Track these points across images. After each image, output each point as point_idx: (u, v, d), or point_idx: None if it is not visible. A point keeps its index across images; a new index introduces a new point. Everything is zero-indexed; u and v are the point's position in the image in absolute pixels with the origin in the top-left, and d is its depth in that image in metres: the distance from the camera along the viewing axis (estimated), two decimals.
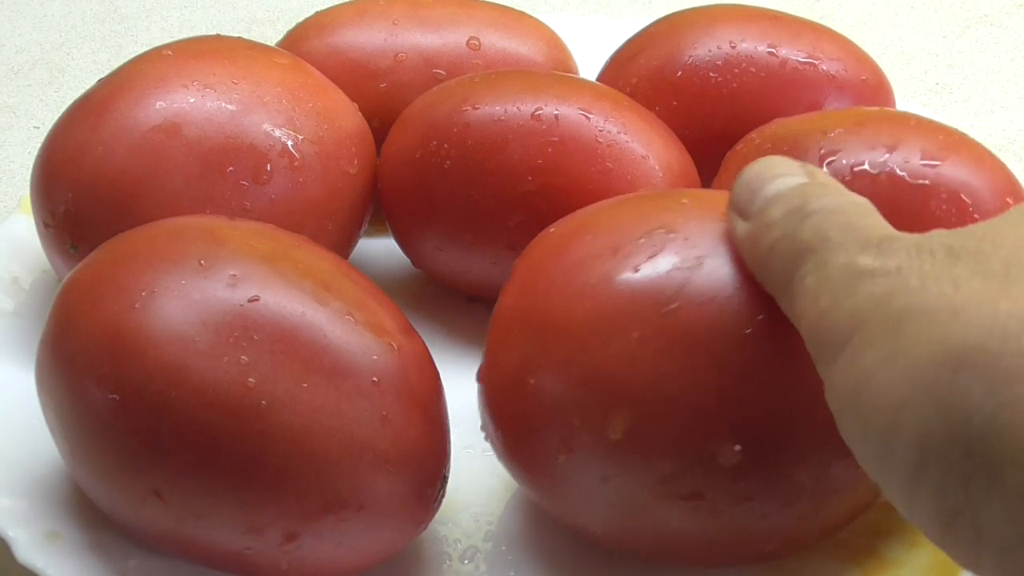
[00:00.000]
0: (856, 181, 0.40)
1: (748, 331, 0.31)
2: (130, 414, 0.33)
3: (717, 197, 0.34)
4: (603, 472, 0.32)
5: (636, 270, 0.32)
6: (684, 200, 0.35)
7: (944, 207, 0.40)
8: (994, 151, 0.57)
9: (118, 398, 0.33)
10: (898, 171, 0.40)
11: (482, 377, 0.36)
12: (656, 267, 0.32)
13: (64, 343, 0.35)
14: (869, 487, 0.33)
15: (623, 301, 0.32)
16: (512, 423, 0.34)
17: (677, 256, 0.32)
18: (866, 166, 0.41)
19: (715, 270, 0.32)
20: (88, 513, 0.37)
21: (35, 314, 0.45)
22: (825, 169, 0.41)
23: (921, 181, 0.40)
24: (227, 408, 0.32)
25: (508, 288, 0.35)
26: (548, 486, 0.34)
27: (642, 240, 0.32)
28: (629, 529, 0.34)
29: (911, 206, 0.40)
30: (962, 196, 0.40)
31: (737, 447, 0.31)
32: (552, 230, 0.36)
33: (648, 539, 0.34)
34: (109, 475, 0.34)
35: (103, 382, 0.33)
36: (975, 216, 0.40)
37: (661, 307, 0.31)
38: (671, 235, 0.33)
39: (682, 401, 0.31)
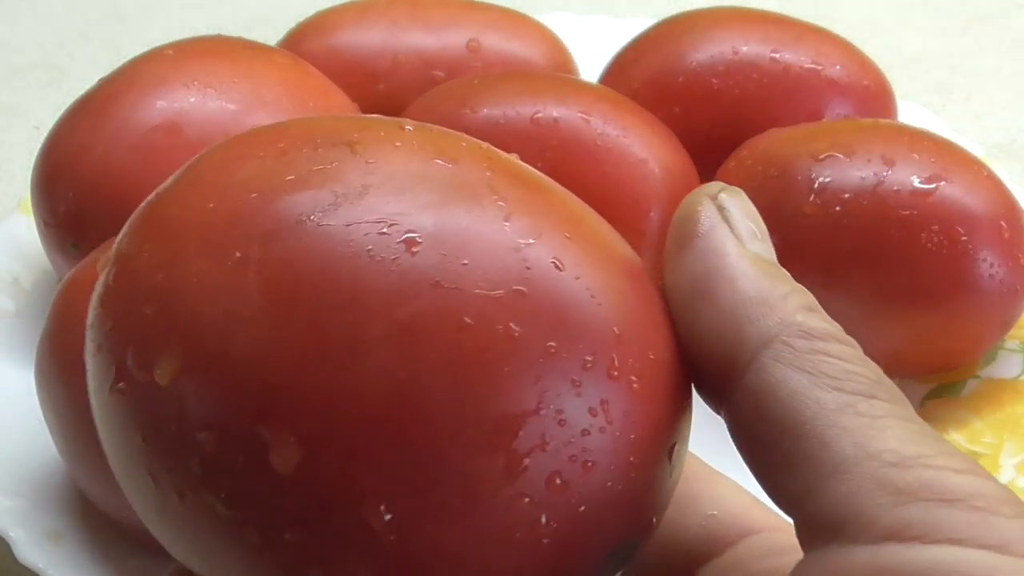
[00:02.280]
0: (845, 214, 0.40)
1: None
2: None
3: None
4: (143, 427, 0.21)
5: (278, 180, 0.21)
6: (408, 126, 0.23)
7: (936, 239, 0.39)
8: (994, 151, 0.57)
9: None
10: (889, 202, 0.40)
11: None
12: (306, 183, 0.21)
13: (63, 343, 0.35)
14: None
15: (247, 207, 0.21)
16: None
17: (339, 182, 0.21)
18: (856, 196, 0.40)
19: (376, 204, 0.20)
20: (88, 513, 0.37)
21: (35, 314, 0.45)
22: (813, 197, 0.41)
23: (912, 212, 0.40)
24: None
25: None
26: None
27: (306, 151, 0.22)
28: (167, 528, 0.21)
29: (902, 238, 0.40)
30: (955, 226, 0.39)
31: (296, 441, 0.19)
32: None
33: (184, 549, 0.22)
34: (107, 475, 0.34)
35: None
36: (968, 246, 0.40)
37: (261, 230, 0.20)
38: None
39: (241, 357, 0.20)
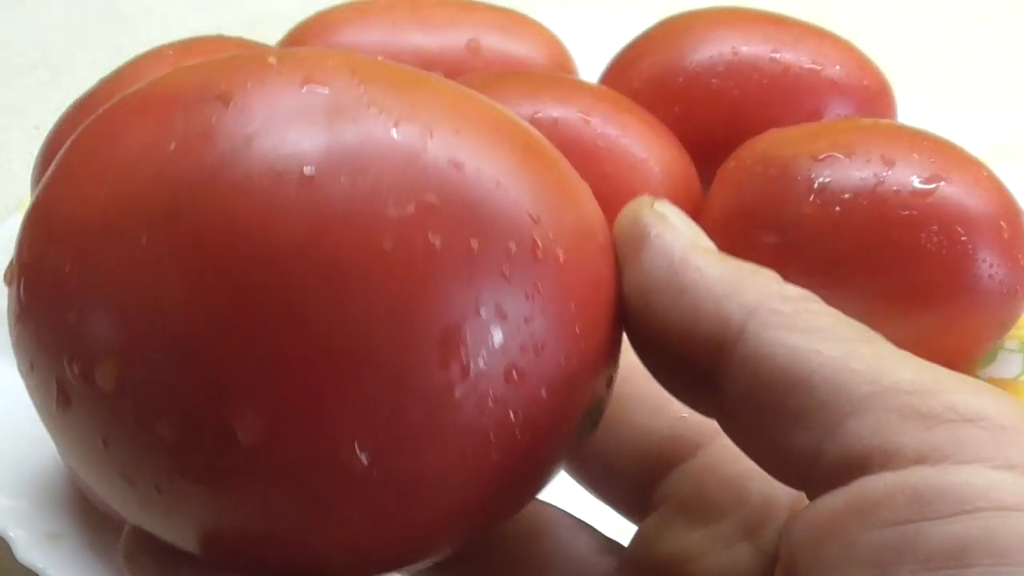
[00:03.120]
0: (845, 214, 0.40)
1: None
2: None
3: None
4: (103, 434, 0.20)
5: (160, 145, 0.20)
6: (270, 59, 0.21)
7: (936, 239, 0.40)
8: (995, 152, 0.57)
9: None
10: (888, 202, 0.40)
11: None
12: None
13: None
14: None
15: (140, 189, 0.19)
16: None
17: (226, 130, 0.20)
18: (856, 196, 0.40)
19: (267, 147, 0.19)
20: (88, 513, 0.37)
21: None
22: (813, 197, 0.41)
23: (912, 212, 0.40)
24: None
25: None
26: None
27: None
28: (153, 520, 0.21)
29: (902, 238, 0.40)
30: (955, 226, 0.39)
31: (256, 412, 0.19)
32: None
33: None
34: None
35: None
36: (968, 246, 0.40)
37: (160, 209, 0.19)
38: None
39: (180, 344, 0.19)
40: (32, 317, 0.20)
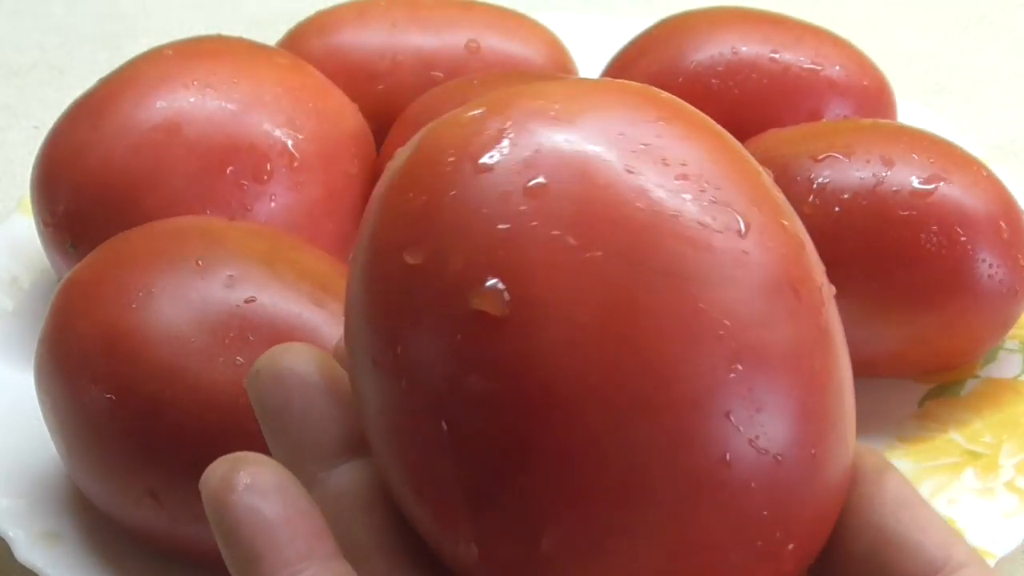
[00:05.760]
0: (845, 215, 0.40)
1: None
2: (125, 414, 0.33)
3: None
4: None
5: None
6: None
7: (935, 239, 0.39)
8: (994, 151, 0.57)
9: (114, 398, 0.33)
10: (888, 202, 0.40)
11: None
12: None
13: (62, 343, 0.35)
14: None
15: None
16: None
17: None
18: (856, 197, 0.40)
19: None
20: (88, 513, 0.37)
21: (34, 314, 0.45)
22: (812, 197, 0.40)
23: (911, 212, 0.40)
24: (222, 409, 0.32)
25: None
26: None
27: None
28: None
29: (901, 239, 0.40)
30: (954, 226, 0.39)
31: None
32: None
33: None
34: (105, 476, 0.34)
35: (99, 382, 0.33)
36: (968, 246, 0.40)
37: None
38: None
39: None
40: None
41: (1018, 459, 0.39)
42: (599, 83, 0.23)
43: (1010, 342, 0.44)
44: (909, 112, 0.53)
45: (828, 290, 0.22)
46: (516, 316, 0.18)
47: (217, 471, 0.21)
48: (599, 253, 0.19)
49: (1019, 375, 0.43)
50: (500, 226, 0.19)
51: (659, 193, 0.19)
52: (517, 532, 0.19)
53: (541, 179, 0.19)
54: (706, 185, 0.19)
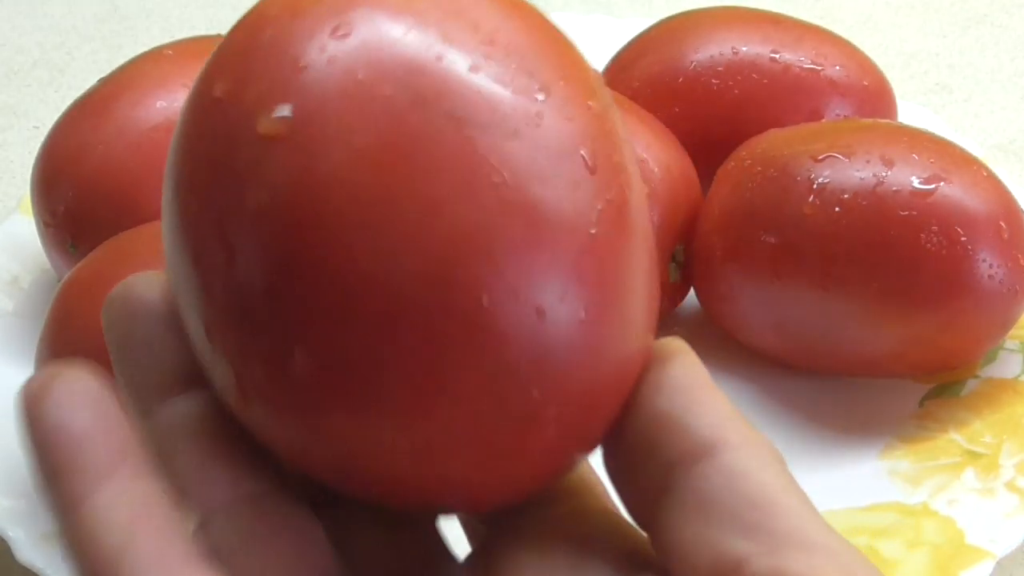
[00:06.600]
0: (845, 214, 0.40)
1: None
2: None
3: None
4: None
5: None
6: None
7: (935, 239, 0.39)
8: (994, 151, 0.57)
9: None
10: (888, 202, 0.40)
11: None
12: None
13: (62, 342, 0.35)
14: None
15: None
16: None
17: None
18: (856, 196, 0.40)
19: None
20: None
21: (34, 314, 0.45)
22: (813, 197, 0.41)
23: (911, 212, 0.40)
24: None
25: None
26: None
27: None
28: None
29: (901, 238, 0.40)
30: (954, 226, 0.39)
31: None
32: None
33: None
34: None
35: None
36: (968, 246, 0.40)
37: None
38: None
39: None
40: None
41: (1018, 459, 0.39)
42: None
43: (1010, 342, 0.44)
44: (909, 112, 0.53)
45: (639, 183, 0.23)
46: (296, 135, 0.19)
47: (33, 382, 0.20)
48: (388, 91, 0.19)
49: (1019, 375, 0.43)
50: (300, 63, 0.20)
51: (461, 49, 0.20)
52: (268, 349, 0.19)
53: (349, 26, 0.20)
54: (512, 53, 0.20)
